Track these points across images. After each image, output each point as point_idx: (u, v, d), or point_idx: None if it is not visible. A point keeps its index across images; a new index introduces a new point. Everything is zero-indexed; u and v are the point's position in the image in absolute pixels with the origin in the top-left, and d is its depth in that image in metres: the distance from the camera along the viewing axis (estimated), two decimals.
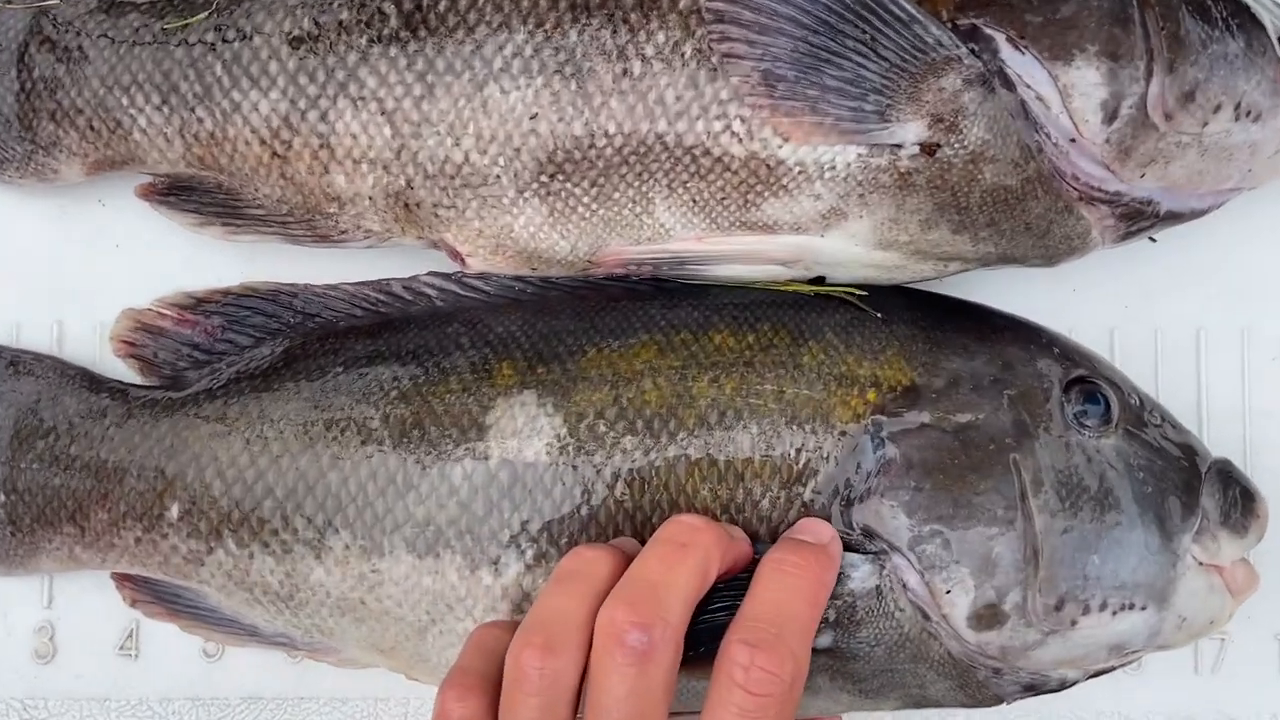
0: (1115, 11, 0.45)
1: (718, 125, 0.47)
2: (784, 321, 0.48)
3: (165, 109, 0.51)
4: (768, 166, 0.47)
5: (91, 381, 0.52)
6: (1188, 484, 0.47)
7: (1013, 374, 0.47)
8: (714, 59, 0.46)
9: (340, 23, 0.49)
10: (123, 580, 0.52)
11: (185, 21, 0.50)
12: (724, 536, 0.44)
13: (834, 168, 0.46)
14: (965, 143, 0.46)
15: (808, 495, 0.46)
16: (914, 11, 0.45)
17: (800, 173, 0.47)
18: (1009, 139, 0.46)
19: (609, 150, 0.48)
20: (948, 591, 0.45)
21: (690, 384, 0.47)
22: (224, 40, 0.50)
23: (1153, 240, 0.52)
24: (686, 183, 0.48)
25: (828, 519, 0.46)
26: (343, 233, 0.51)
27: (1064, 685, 0.47)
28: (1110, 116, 0.45)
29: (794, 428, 0.46)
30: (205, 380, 0.51)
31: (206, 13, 0.50)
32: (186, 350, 0.52)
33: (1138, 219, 0.48)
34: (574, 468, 0.47)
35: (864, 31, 0.45)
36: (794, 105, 0.45)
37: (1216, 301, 0.55)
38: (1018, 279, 0.54)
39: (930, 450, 0.45)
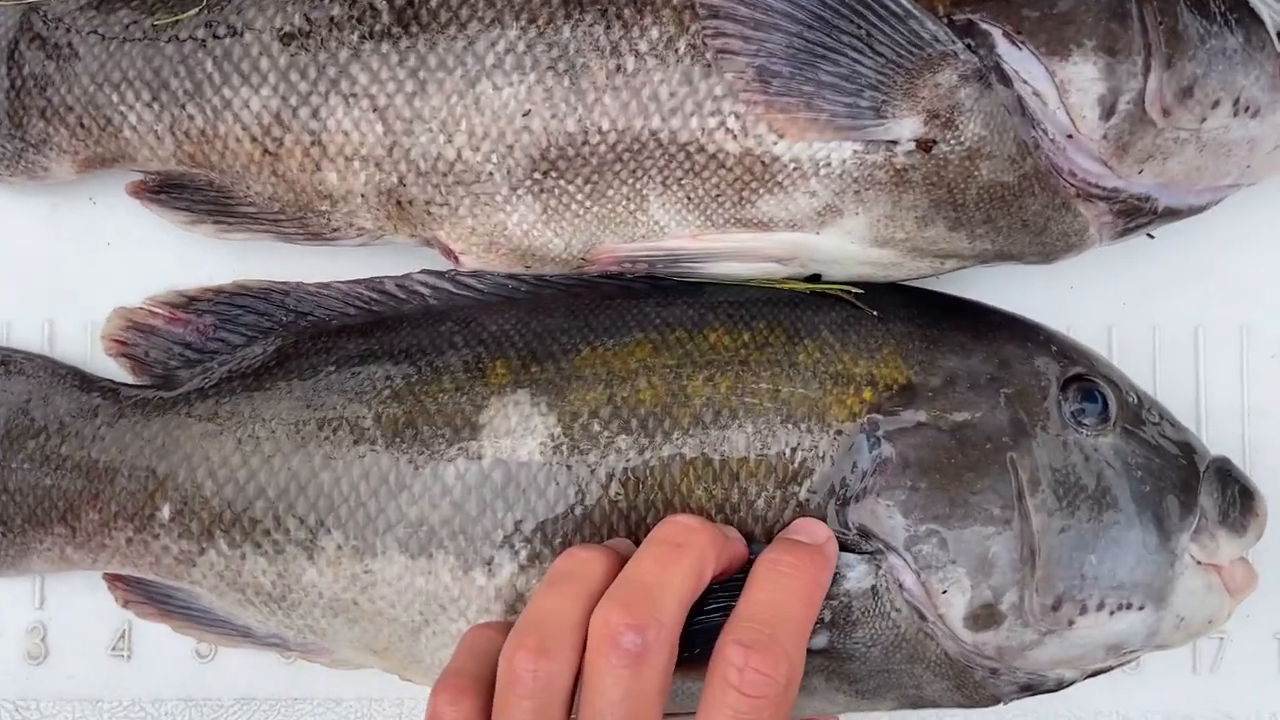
0: (1113, 6, 0.45)
1: (712, 122, 0.46)
2: (779, 320, 0.48)
3: (156, 106, 0.50)
4: (763, 163, 0.46)
5: (83, 381, 0.52)
6: (1186, 483, 0.46)
7: (1010, 372, 0.47)
8: (708, 55, 0.46)
9: (332, 19, 0.49)
10: (115, 581, 0.52)
11: (176, 18, 0.50)
12: (719, 537, 0.44)
13: (829, 164, 0.46)
14: (961, 139, 0.45)
15: (803, 495, 0.45)
16: (910, 7, 0.44)
17: (795, 169, 0.46)
18: (1005, 135, 0.45)
19: (603, 147, 0.47)
20: (944, 591, 0.44)
21: (685, 383, 0.47)
22: (215, 36, 0.50)
23: (1151, 237, 0.52)
24: (681, 180, 0.47)
25: (823, 519, 0.45)
26: (335, 230, 0.51)
27: (1061, 685, 0.47)
28: (1108, 112, 0.45)
29: (789, 427, 0.46)
30: (197, 379, 0.51)
31: (197, 9, 0.50)
32: (178, 349, 0.52)
33: (1135, 215, 0.48)
34: (568, 467, 0.46)
35: (859, 27, 0.44)
36: (789, 101, 0.45)
37: (1215, 298, 0.54)
38: (1015, 276, 0.53)
39: (926, 449, 0.45)
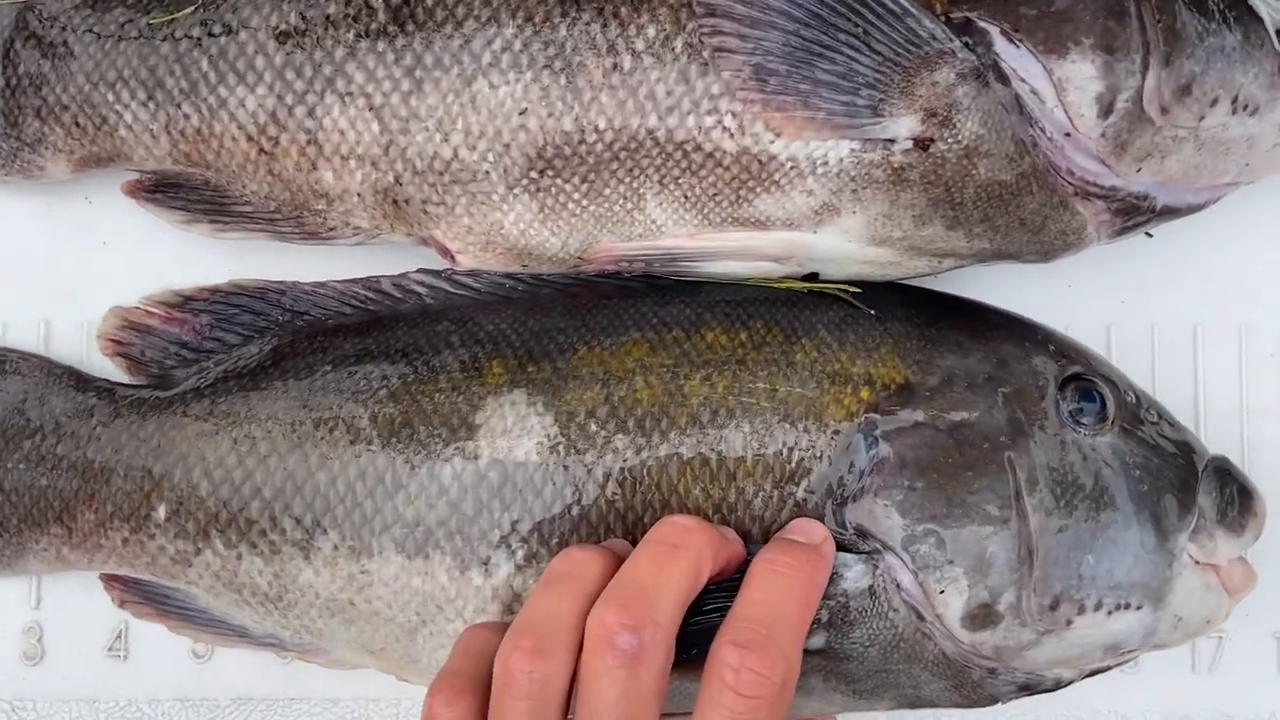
0: (1110, 4, 0.45)
1: (709, 120, 0.46)
2: (777, 319, 0.48)
3: (151, 105, 0.50)
4: (760, 162, 0.46)
5: (78, 380, 0.52)
6: (1184, 482, 0.46)
7: (1007, 371, 0.47)
8: (705, 53, 0.46)
9: (327, 17, 0.49)
10: (111, 581, 0.52)
11: (171, 16, 0.50)
12: (716, 537, 0.44)
13: (826, 163, 0.46)
14: (959, 137, 0.45)
15: (800, 494, 0.45)
16: (907, 5, 0.44)
17: (792, 168, 0.46)
18: (1003, 133, 0.45)
19: (599, 146, 0.47)
20: (941, 591, 0.44)
21: (682, 382, 0.47)
22: (210, 35, 0.50)
23: (1149, 235, 0.52)
24: (678, 178, 0.47)
25: (821, 518, 0.45)
26: (331, 230, 0.51)
27: (1059, 685, 0.47)
28: (1106, 110, 0.45)
29: (787, 426, 0.46)
30: (193, 379, 0.51)
31: (192, 7, 0.50)
32: (174, 349, 0.52)
33: (1134, 214, 0.48)
34: (565, 467, 0.46)
35: (857, 25, 0.44)
36: (786, 100, 0.45)
37: (1214, 297, 0.54)
38: (1013, 275, 0.53)
39: (924, 449, 0.45)
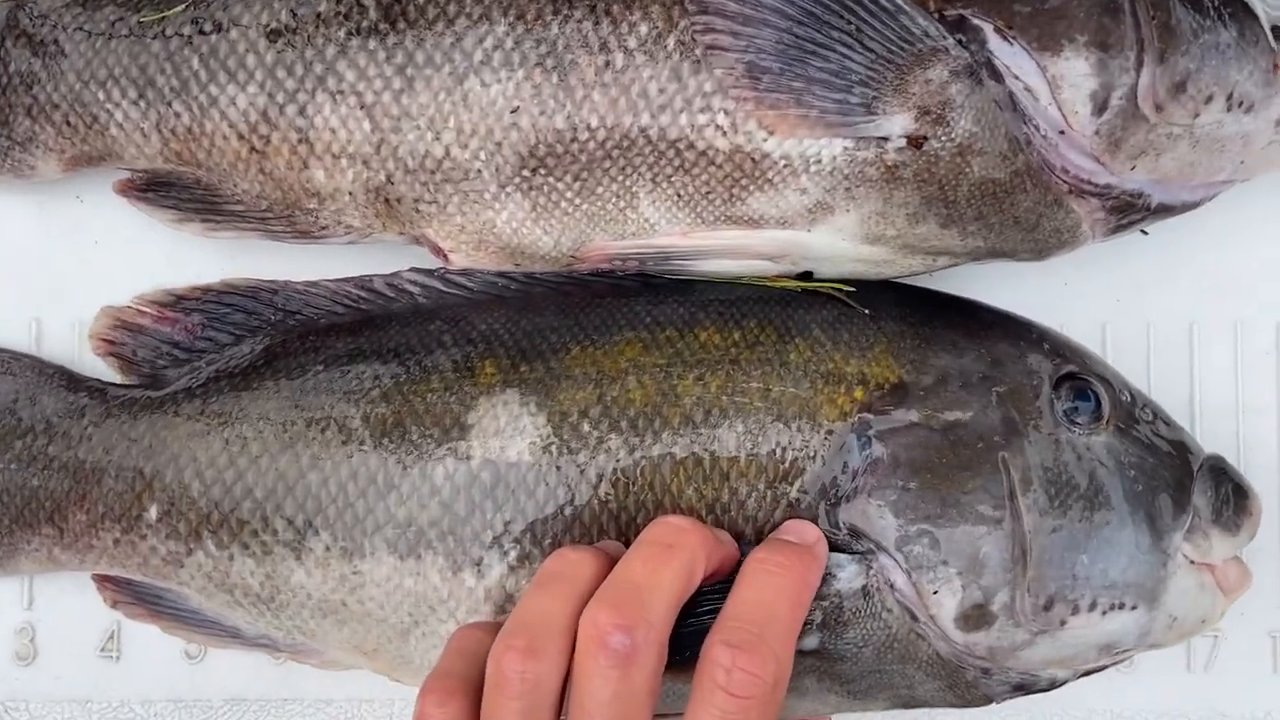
0: (1105, 1, 0.45)
1: (702, 118, 0.46)
2: (770, 318, 0.48)
3: (142, 103, 0.50)
4: (753, 160, 0.46)
5: (70, 380, 0.52)
6: (1179, 481, 0.46)
7: (1002, 371, 0.47)
8: (698, 51, 0.45)
9: (318, 15, 0.48)
10: (103, 581, 0.51)
11: (162, 14, 0.50)
12: (710, 538, 0.43)
13: (820, 161, 0.46)
14: (953, 135, 0.45)
15: (794, 494, 0.45)
16: (900, 2, 0.44)
17: (786, 166, 0.46)
18: (997, 131, 0.45)
19: (592, 144, 0.47)
20: (935, 592, 0.44)
21: (675, 382, 0.46)
22: (201, 33, 0.49)
23: (1144, 233, 0.52)
24: (671, 177, 0.47)
25: (814, 518, 0.45)
26: (323, 229, 0.50)
27: (1054, 685, 0.47)
28: (1100, 108, 0.45)
29: (780, 426, 0.46)
30: (185, 379, 0.51)
31: (183, 5, 0.50)
32: (166, 348, 0.52)
33: (1128, 212, 0.48)
34: (557, 468, 0.46)
35: (849, 23, 0.44)
36: (779, 98, 0.45)
37: (1209, 295, 0.54)
38: (1008, 273, 0.53)
39: (918, 449, 0.45)
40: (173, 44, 0.50)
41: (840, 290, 0.48)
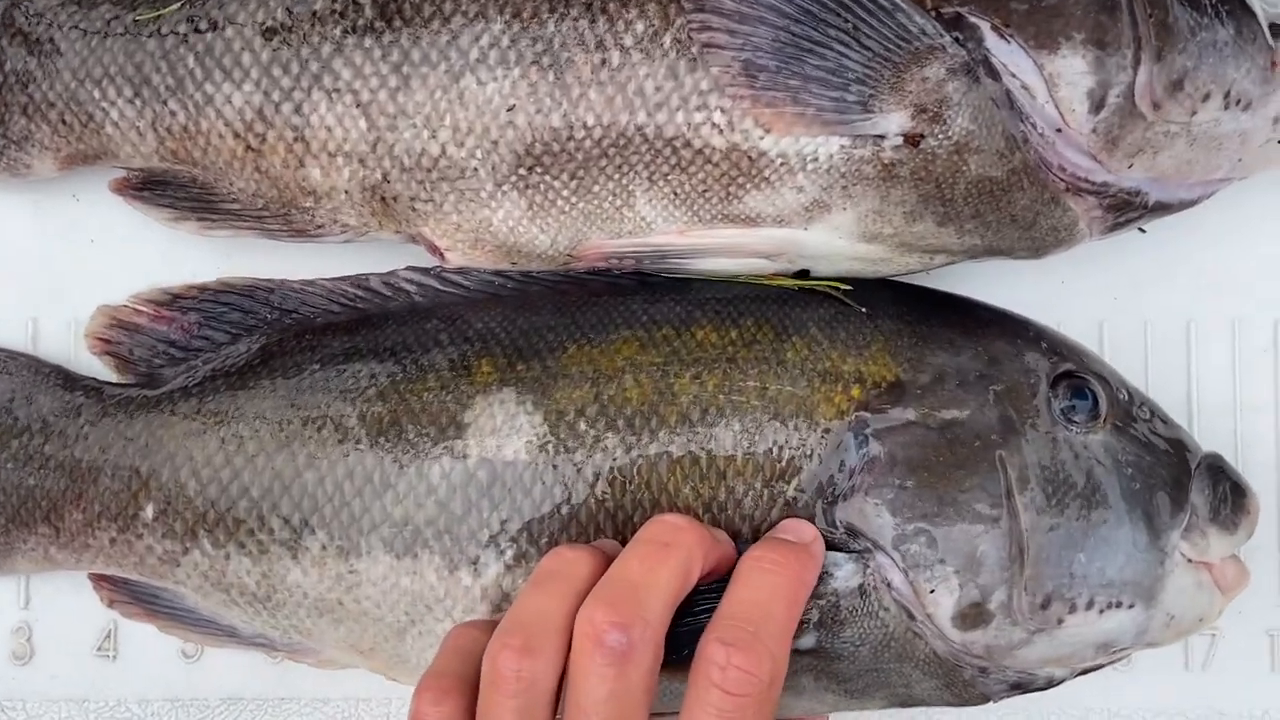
0: None
1: (698, 116, 0.46)
2: (767, 316, 0.48)
3: (137, 102, 0.50)
4: (749, 158, 0.46)
5: (66, 379, 0.51)
6: (1177, 480, 0.46)
7: (999, 369, 0.46)
8: (694, 49, 0.45)
9: (314, 13, 0.48)
10: (100, 580, 0.51)
11: (157, 13, 0.50)
12: (707, 537, 0.43)
13: (816, 159, 0.46)
14: (949, 133, 0.45)
15: (791, 493, 0.45)
16: (897, 0, 0.44)
17: (782, 164, 0.46)
18: (994, 129, 0.45)
19: (588, 142, 0.47)
20: (932, 590, 0.44)
21: (672, 380, 0.46)
22: (196, 31, 0.49)
23: (1142, 231, 0.51)
24: (667, 175, 0.47)
25: (811, 517, 0.45)
26: (319, 227, 0.50)
27: (1051, 683, 0.47)
28: (1097, 106, 0.45)
29: (777, 424, 0.45)
30: (181, 378, 0.51)
31: (179, 3, 0.49)
32: (162, 347, 0.51)
33: (1126, 210, 0.48)
34: (554, 466, 0.46)
35: (846, 20, 0.44)
36: (775, 96, 0.45)
37: (1207, 293, 0.54)
38: (1005, 271, 0.53)
39: (915, 447, 0.45)
40: (168, 42, 0.49)
41: (837, 289, 0.48)
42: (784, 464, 0.45)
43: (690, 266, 0.49)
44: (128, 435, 0.49)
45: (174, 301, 0.52)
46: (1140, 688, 0.53)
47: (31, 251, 0.55)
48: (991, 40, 0.45)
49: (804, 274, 0.49)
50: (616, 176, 0.47)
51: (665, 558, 0.42)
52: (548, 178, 0.47)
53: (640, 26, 0.46)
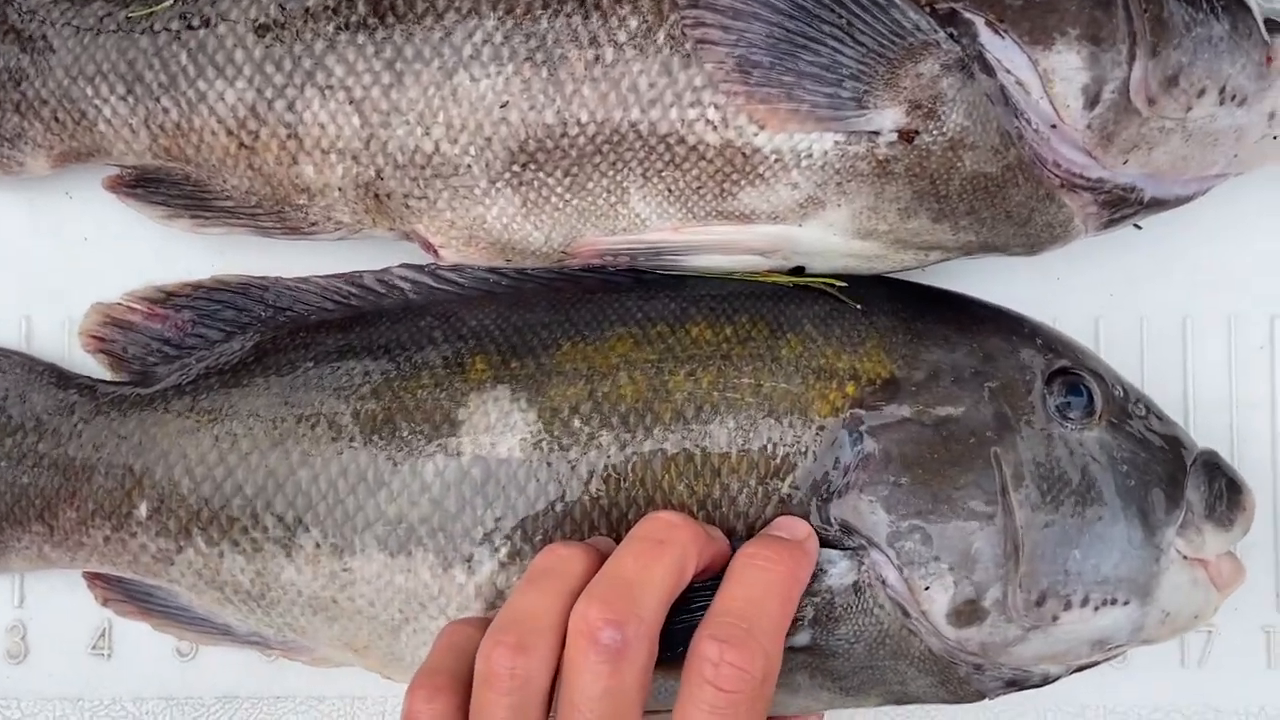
0: None
1: (692, 113, 0.46)
2: (762, 313, 0.47)
3: (130, 99, 0.50)
4: (743, 155, 0.46)
5: (60, 377, 0.51)
6: (1172, 477, 0.46)
7: (994, 366, 0.46)
8: (688, 45, 0.45)
9: (307, 10, 0.48)
10: (94, 579, 0.51)
11: (150, 10, 0.49)
12: (701, 534, 0.43)
13: (811, 156, 0.46)
14: (944, 129, 0.45)
15: (785, 490, 0.45)
16: None
17: (776, 161, 0.46)
18: (989, 125, 0.45)
19: (582, 139, 0.47)
20: (927, 588, 0.44)
21: (667, 378, 0.46)
22: (189, 28, 0.49)
23: (1138, 227, 0.51)
24: (661, 172, 0.47)
25: (806, 514, 0.45)
26: (313, 224, 0.50)
27: (1047, 680, 0.46)
28: (1092, 101, 0.45)
29: (772, 422, 0.45)
30: (175, 376, 0.51)
31: (171, 0, 0.49)
32: (156, 345, 0.51)
33: (1121, 206, 0.47)
34: (548, 464, 0.46)
35: (840, 16, 0.44)
36: (769, 92, 0.45)
37: (1203, 289, 0.54)
38: (1000, 268, 0.53)
39: (910, 444, 0.45)
40: (161, 39, 0.49)
41: (832, 285, 0.48)
42: (778, 461, 0.45)
43: (685, 263, 0.49)
44: (121, 433, 0.49)
45: (168, 299, 0.52)
46: (1136, 684, 0.53)
47: (25, 249, 0.55)
48: (986, 36, 0.44)
49: (799, 271, 0.49)
50: (611, 173, 0.47)
51: (660, 555, 0.42)
52: (542, 174, 0.47)
53: (634, 22, 0.46)
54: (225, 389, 0.49)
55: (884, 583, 0.44)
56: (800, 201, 0.47)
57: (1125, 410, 0.47)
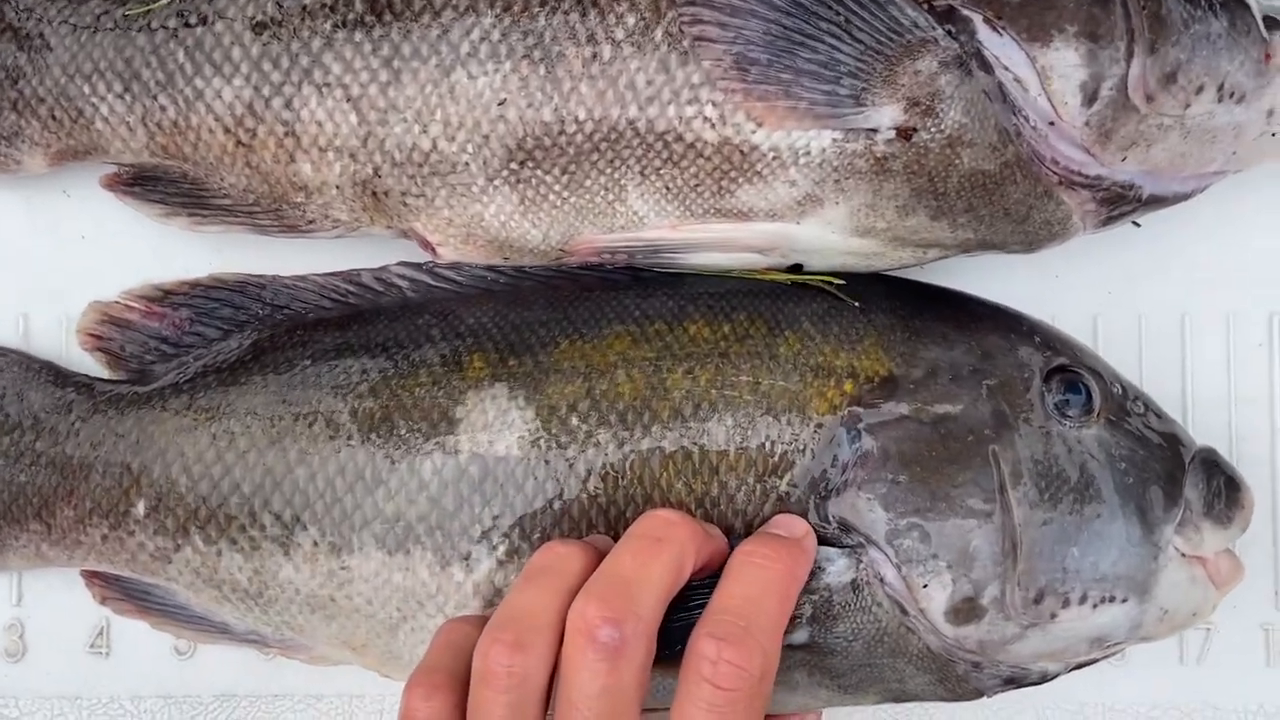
0: None
1: (690, 110, 0.46)
2: (760, 311, 0.47)
3: (127, 97, 0.50)
4: (741, 152, 0.46)
5: (57, 376, 0.51)
6: (1171, 474, 0.46)
7: (992, 363, 0.46)
8: (685, 43, 0.45)
9: (304, 7, 0.48)
10: (92, 577, 0.51)
11: (147, 7, 0.49)
12: (699, 532, 0.43)
13: (809, 153, 0.46)
14: (942, 127, 0.45)
15: (783, 488, 0.45)
16: None
17: (774, 158, 0.46)
18: (987, 122, 0.45)
19: (579, 137, 0.47)
20: (925, 585, 0.44)
21: (664, 376, 0.46)
22: (186, 26, 0.49)
23: (1136, 225, 0.51)
24: (659, 169, 0.47)
25: (804, 512, 0.45)
26: (310, 222, 0.50)
27: (1045, 678, 0.46)
28: (1090, 99, 0.45)
29: (770, 419, 0.45)
30: (172, 374, 0.51)
31: None
32: (154, 343, 0.51)
33: (1119, 203, 0.47)
34: (546, 462, 0.46)
35: (838, 13, 0.44)
36: (767, 89, 0.45)
37: (1201, 287, 0.54)
38: (999, 266, 0.53)
39: (908, 442, 0.45)
40: (158, 37, 0.49)
41: (830, 283, 0.48)
42: (776, 459, 0.45)
43: (683, 261, 0.48)
44: (119, 431, 0.49)
45: (165, 297, 0.52)
46: (1134, 682, 0.53)
47: (22, 247, 0.55)
48: (984, 33, 0.44)
49: (797, 269, 0.49)
50: (608, 171, 0.47)
51: (658, 553, 0.42)
52: (539, 172, 0.47)
53: (631, 20, 0.46)
54: (223, 387, 0.49)
55: (882, 580, 0.44)
56: (798, 199, 0.47)
57: (1124, 408, 0.47)
